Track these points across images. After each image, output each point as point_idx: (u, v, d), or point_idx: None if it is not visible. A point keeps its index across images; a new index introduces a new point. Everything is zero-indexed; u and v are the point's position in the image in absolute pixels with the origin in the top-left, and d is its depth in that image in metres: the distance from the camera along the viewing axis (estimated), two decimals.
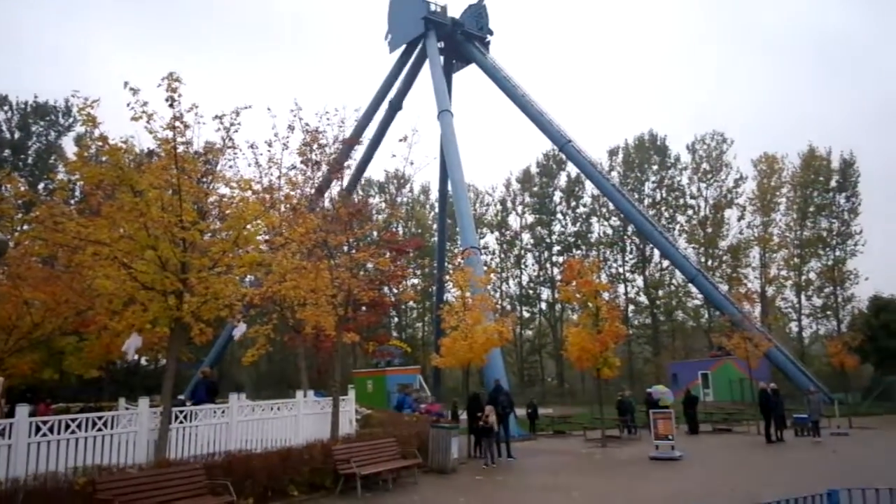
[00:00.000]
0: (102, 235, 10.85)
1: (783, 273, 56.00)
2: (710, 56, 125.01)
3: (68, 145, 51.03)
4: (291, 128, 15.88)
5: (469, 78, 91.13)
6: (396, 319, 66.14)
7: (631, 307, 61.37)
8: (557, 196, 64.91)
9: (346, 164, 17.05)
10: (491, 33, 51.06)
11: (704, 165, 59.70)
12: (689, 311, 59.49)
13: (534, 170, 65.89)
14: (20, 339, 17.39)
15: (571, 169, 59.75)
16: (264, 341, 19.02)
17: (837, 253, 54.42)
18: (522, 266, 66.22)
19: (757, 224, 57.15)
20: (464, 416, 19.83)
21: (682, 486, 13.62)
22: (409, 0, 49.55)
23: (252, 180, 13.06)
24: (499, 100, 61.62)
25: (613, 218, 61.27)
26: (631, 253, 62.11)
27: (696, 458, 18.09)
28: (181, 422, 12.50)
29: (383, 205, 62.17)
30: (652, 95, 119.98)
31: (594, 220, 63.85)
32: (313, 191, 16.75)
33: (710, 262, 56.62)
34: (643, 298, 61.48)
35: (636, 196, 56.30)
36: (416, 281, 57.31)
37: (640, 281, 61.68)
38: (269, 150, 15.83)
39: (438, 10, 49.34)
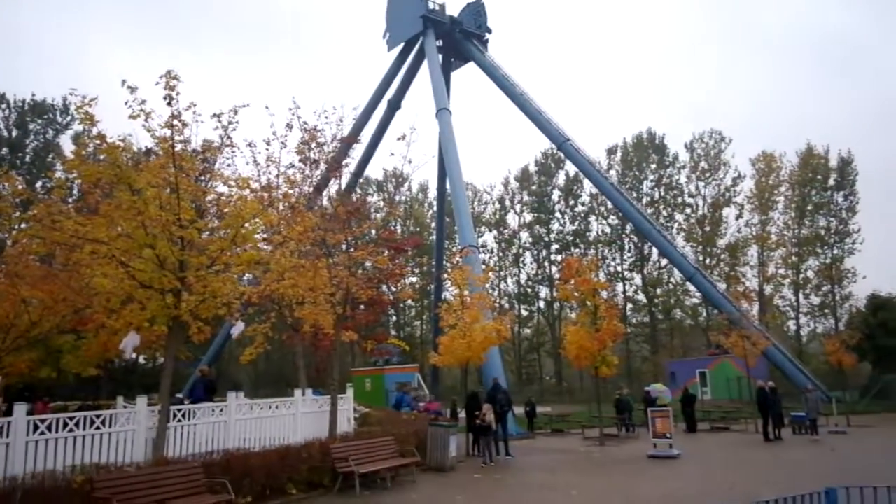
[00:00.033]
0: (100, 234, 10.83)
1: (781, 271, 56.07)
2: (709, 55, 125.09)
3: (66, 143, 51.04)
4: (290, 126, 15.90)
5: (467, 76, 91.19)
6: (395, 318, 66.16)
7: (629, 306, 61.44)
8: (556, 195, 64.96)
9: (344, 162, 17.03)
10: (489, 31, 51.08)
11: (703, 164, 59.75)
12: (688, 309, 59.56)
13: (532, 168, 65.94)
14: (18, 338, 17.35)
15: (570, 167, 59.84)
16: (262, 340, 19.02)
17: (835, 251, 54.51)
18: (521, 264, 66.30)
19: (755, 222, 57.26)
20: (462, 414, 19.84)
21: (680, 484, 13.64)
22: None
23: (250, 179, 13.08)
24: (497, 98, 61.57)
25: (612, 216, 61.32)
26: (629, 251, 62.17)
27: (694, 457, 18.12)
28: (179, 420, 12.49)
29: (382, 203, 62.16)
30: (650, 94, 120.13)
31: (592, 218, 63.93)
32: (311, 189, 16.75)
33: (708, 261, 56.67)
34: (641, 297, 61.56)
35: (634, 194, 56.34)
36: (414, 279, 57.26)
37: (638, 279, 61.86)
38: (267, 149, 15.86)
39: (437, 8, 49.33)
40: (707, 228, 58.30)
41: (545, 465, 17.38)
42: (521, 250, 66.19)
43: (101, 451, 10.86)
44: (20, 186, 13.40)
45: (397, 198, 67.22)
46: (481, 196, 67.69)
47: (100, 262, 11.10)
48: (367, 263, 18.06)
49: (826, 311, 54.74)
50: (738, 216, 58.16)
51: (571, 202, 64.14)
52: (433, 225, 61.70)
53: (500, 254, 66.76)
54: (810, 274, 55.34)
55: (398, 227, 62.03)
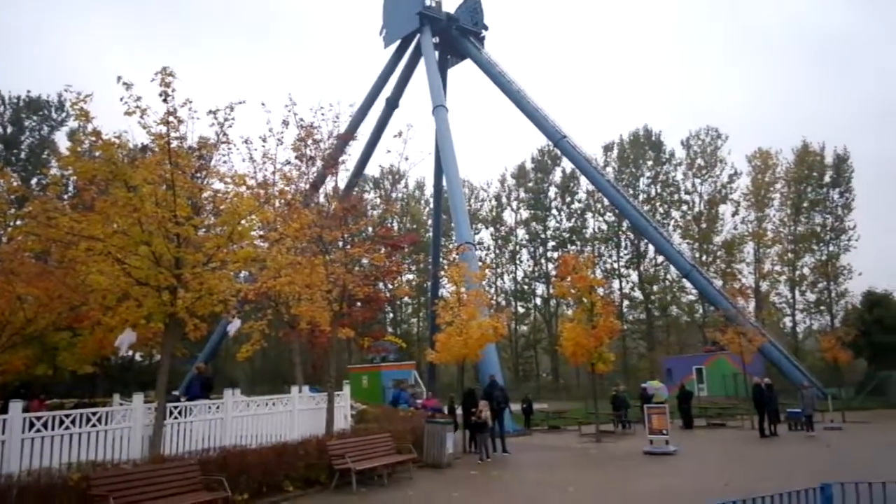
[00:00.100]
0: (96, 231, 10.80)
1: (777, 268, 56.19)
2: (706, 52, 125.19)
3: (61, 140, 50.86)
4: (286, 123, 15.85)
5: (464, 73, 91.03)
6: (391, 315, 66.14)
7: (626, 302, 61.56)
8: (552, 192, 64.98)
9: (340, 159, 17.00)
10: (486, 28, 51.02)
11: (699, 161, 59.78)
12: (684, 306, 59.64)
13: (529, 165, 65.92)
14: (13, 335, 17.30)
15: (566, 164, 59.83)
16: (259, 337, 19.00)
17: (831, 248, 54.59)
18: (517, 261, 66.31)
19: (751, 219, 57.30)
20: (459, 411, 19.87)
21: (677, 480, 13.67)
22: None
23: (246, 175, 13.04)
24: (494, 95, 61.64)
25: (608, 213, 61.34)
26: (626, 248, 62.22)
27: (691, 453, 18.16)
28: (176, 418, 12.47)
29: (378, 200, 62.08)
30: (647, 91, 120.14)
31: (589, 215, 63.95)
32: (308, 186, 16.71)
33: (704, 258, 56.73)
34: (638, 294, 61.71)
35: (631, 191, 56.37)
36: (411, 276, 57.16)
37: (634, 276, 61.88)
38: (263, 146, 15.81)
39: (433, 5, 49.28)
40: (703, 225, 58.36)
41: (542, 461, 17.41)
42: (517, 247, 66.22)
43: (97, 449, 10.83)
44: (15, 183, 13.39)
45: (394, 195, 67.20)
46: (478, 193, 67.77)
47: (95, 258, 11.07)
48: (364, 260, 18.05)
49: (822, 307, 54.89)
50: (735, 213, 58.30)
51: (568, 199, 64.17)
52: (430, 222, 61.69)
53: (497, 251, 66.80)
54: (806, 271, 55.49)
55: (395, 225, 61.99)
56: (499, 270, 66.18)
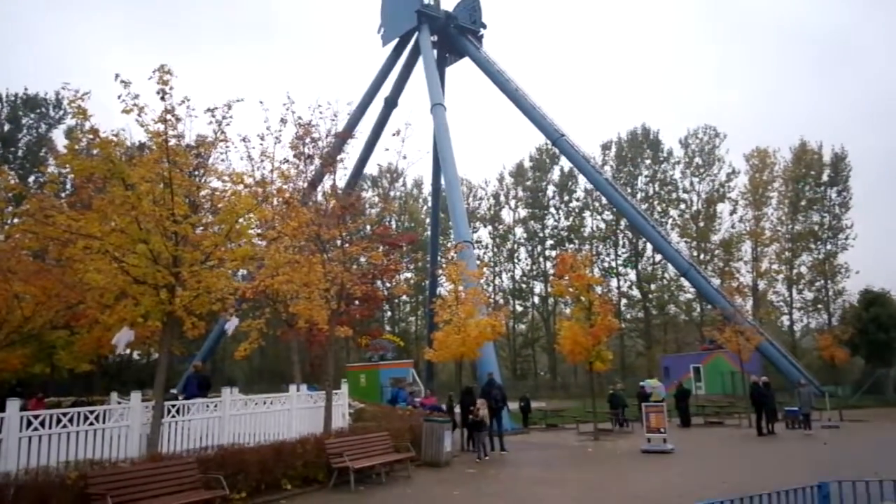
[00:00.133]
0: (93, 229, 10.78)
1: (775, 267, 56.23)
2: (704, 51, 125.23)
3: (59, 138, 50.78)
4: (284, 121, 15.80)
5: (462, 72, 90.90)
6: (389, 313, 66.13)
7: (623, 301, 61.62)
8: (550, 190, 64.98)
9: (339, 157, 16.96)
10: (484, 27, 50.96)
11: (697, 160, 59.84)
12: (682, 304, 59.72)
13: (527, 164, 65.88)
14: (11, 333, 17.28)
15: (564, 163, 59.85)
16: (257, 335, 18.99)
17: (828, 247, 54.68)
18: (515, 260, 66.31)
19: (749, 218, 57.37)
20: (457, 409, 19.89)
21: (674, 478, 13.69)
22: None
23: (244, 174, 12.98)
24: (492, 94, 61.64)
25: (606, 212, 61.35)
26: (624, 247, 62.26)
27: (688, 451, 18.18)
28: (173, 416, 12.46)
29: (376, 199, 62.09)
30: (645, 90, 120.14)
31: (587, 214, 63.96)
32: (306, 185, 16.69)
33: (702, 256, 56.81)
34: (636, 292, 61.75)
35: (629, 190, 56.37)
36: (409, 275, 57.23)
37: (632, 275, 61.92)
38: (261, 144, 15.75)
39: (432, 3, 49.21)
40: (701, 224, 58.43)
41: (539, 459, 17.43)
42: (515, 246, 66.24)
43: (94, 447, 10.82)
44: (13, 181, 13.35)
45: (392, 193, 67.14)
46: (476, 192, 67.71)
47: (93, 257, 11.04)
48: (362, 259, 18.03)
49: (819, 306, 54.99)
50: (733, 212, 58.41)
51: (566, 198, 64.17)
52: (428, 221, 61.66)
53: (495, 249, 66.78)
54: (804, 269, 55.56)
55: (393, 223, 61.96)
56: (497, 269, 66.20)
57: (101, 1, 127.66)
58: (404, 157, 17.09)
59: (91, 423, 10.87)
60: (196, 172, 13.21)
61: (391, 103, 51.58)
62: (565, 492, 12.47)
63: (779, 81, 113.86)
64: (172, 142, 11.18)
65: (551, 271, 53.98)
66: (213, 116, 11.80)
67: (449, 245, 49.83)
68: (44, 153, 49.31)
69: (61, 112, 52.01)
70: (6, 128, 51.33)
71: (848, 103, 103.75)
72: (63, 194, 24.25)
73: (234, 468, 11.13)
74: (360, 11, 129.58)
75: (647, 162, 61.54)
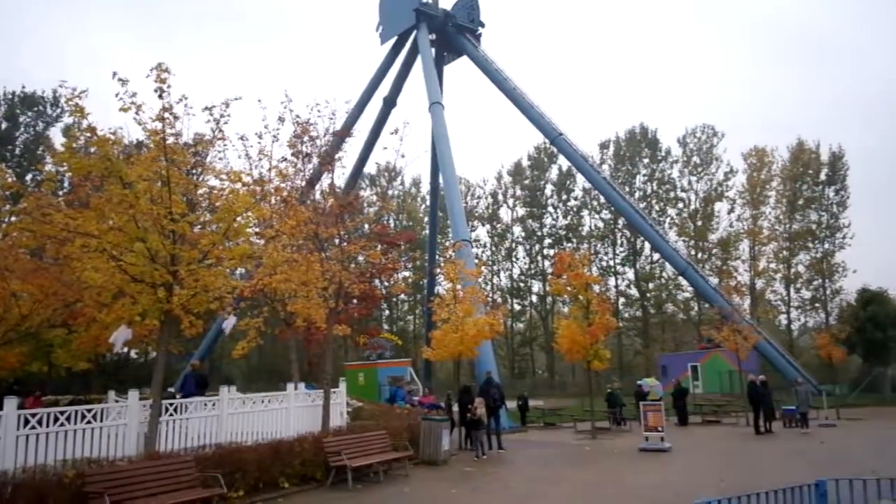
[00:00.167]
0: (91, 227, 10.77)
1: (772, 266, 56.29)
2: (702, 50, 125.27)
3: (56, 136, 50.67)
4: (282, 120, 15.79)
5: (461, 71, 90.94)
6: (387, 312, 66.14)
7: (621, 300, 61.68)
8: (549, 189, 65.02)
9: (337, 156, 16.95)
10: (482, 25, 50.93)
11: (695, 159, 59.93)
12: (679, 303, 59.81)
13: (525, 163, 65.92)
14: (8, 332, 17.22)
15: (563, 162, 59.88)
16: (255, 334, 18.98)
17: (826, 246, 54.76)
18: (513, 259, 66.35)
19: (747, 217, 57.50)
20: (455, 408, 19.90)
21: (672, 477, 13.71)
22: None
23: (242, 172, 12.97)
24: (490, 92, 61.64)
25: (604, 211, 61.42)
26: (622, 246, 62.32)
27: (686, 450, 18.20)
28: (171, 414, 12.46)
29: (374, 198, 62.08)
30: (643, 89, 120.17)
31: (585, 213, 64.01)
32: (304, 183, 16.68)
33: (700, 255, 56.89)
34: (634, 291, 61.79)
35: (627, 189, 56.41)
36: (407, 274, 57.28)
37: (630, 274, 62.00)
38: (259, 142, 15.73)
39: (430, 1, 49.16)
40: (699, 223, 58.52)
41: (537, 458, 17.44)
42: (513, 245, 66.27)
43: (92, 446, 10.82)
44: (10, 179, 13.31)
45: (390, 192, 67.12)
46: (474, 190, 67.71)
47: (90, 255, 11.04)
48: (360, 258, 18.02)
49: (817, 305, 55.05)
50: (730, 211, 58.53)
51: (564, 196, 64.21)
52: (426, 219, 61.67)
53: (493, 248, 66.81)
54: (801, 268, 55.62)
55: (391, 222, 61.95)
56: (495, 268, 66.24)
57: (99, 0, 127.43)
58: (402, 156, 17.12)
59: (89, 422, 10.88)
60: (194, 171, 13.20)
61: (390, 102, 51.57)
62: (563, 490, 12.49)
63: (777, 80, 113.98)
64: (170, 140, 11.17)
65: (549, 270, 54.05)
66: (211, 115, 11.80)
67: (447, 244, 49.81)
68: (41, 151, 49.18)
69: (59, 110, 51.88)
70: (3, 126, 51.15)
71: (845, 102, 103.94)
72: (60, 192, 24.18)
73: (232, 467, 11.13)
74: (359, 10, 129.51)
75: (646, 161, 61.59)
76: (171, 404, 12.67)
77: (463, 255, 28.65)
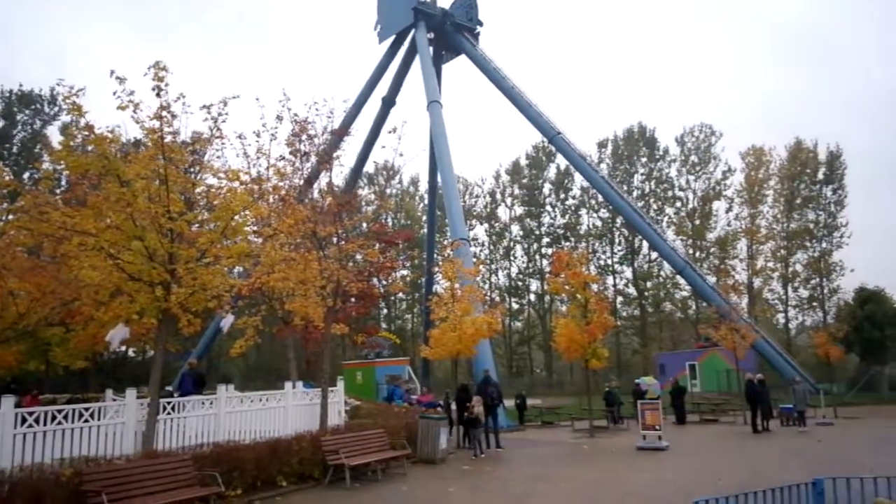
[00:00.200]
0: (88, 225, 10.74)
1: (770, 265, 56.39)
2: (700, 49, 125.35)
3: (54, 134, 50.56)
4: (280, 118, 15.77)
5: (459, 70, 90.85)
6: (386, 311, 66.15)
7: (619, 298, 61.73)
8: (547, 188, 65.12)
9: (335, 155, 16.94)
10: (480, 24, 50.95)
11: (693, 158, 60.03)
12: (677, 302, 59.89)
13: (523, 161, 65.98)
14: (5, 330, 17.18)
15: (561, 161, 59.95)
16: (253, 333, 18.96)
17: (824, 244, 54.87)
18: (511, 257, 66.42)
19: (744, 216, 57.57)
20: (454, 406, 19.91)
21: (669, 475, 13.72)
22: None
23: (240, 171, 12.96)
24: (488, 91, 61.46)
25: (602, 210, 61.49)
26: (620, 245, 62.38)
27: (683, 449, 18.23)
28: (169, 413, 12.45)
29: (373, 196, 62.08)
30: (641, 88, 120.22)
31: (583, 211, 64.10)
32: (302, 182, 16.66)
33: (697, 254, 56.99)
34: (632, 290, 61.84)
35: (625, 188, 56.47)
36: (405, 272, 57.23)
37: (628, 272, 62.07)
38: (257, 141, 15.71)
39: (428, 0, 49.13)
40: (697, 222, 58.61)
41: (535, 457, 17.45)
42: (511, 243, 66.31)
43: (90, 444, 10.81)
44: (7, 177, 13.28)
45: (388, 191, 67.11)
46: (472, 189, 67.77)
47: (88, 254, 11.02)
48: (358, 256, 18.02)
49: (814, 303, 55.15)
50: (728, 210, 58.61)
51: (562, 195, 64.29)
52: (424, 218, 61.69)
53: (491, 247, 66.88)
54: (799, 267, 55.72)
55: (389, 221, 61.95)
56: (493, 266, 66.32)
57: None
58: (401, 155, 17.12)
59: (86, 421, 10.86)
60: (192, 169, 13.16)
61: (389, 102, 51.55)
62: (560, 489, 12.50)
63: (775, 79, 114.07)
64: (168, 138, 11.15)
65: (547, 269, 54.12)
66: (209, 113, 11.78)
67: (445, 242, 49.84)
68: (39, 149, 49.08)
69: (56, 108, 51.81)
70: (1, 124, 51.09)
71: (842, 102, 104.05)
72: (58, 191, 24.14)
73: (230, 465, 11.13)
74: (357, 8, 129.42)
75: (644, 160, 61.68)
76: (168, 403, 12.66)
77: (461, 253, 28.65)
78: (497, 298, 61.87)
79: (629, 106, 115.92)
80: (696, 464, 15.58)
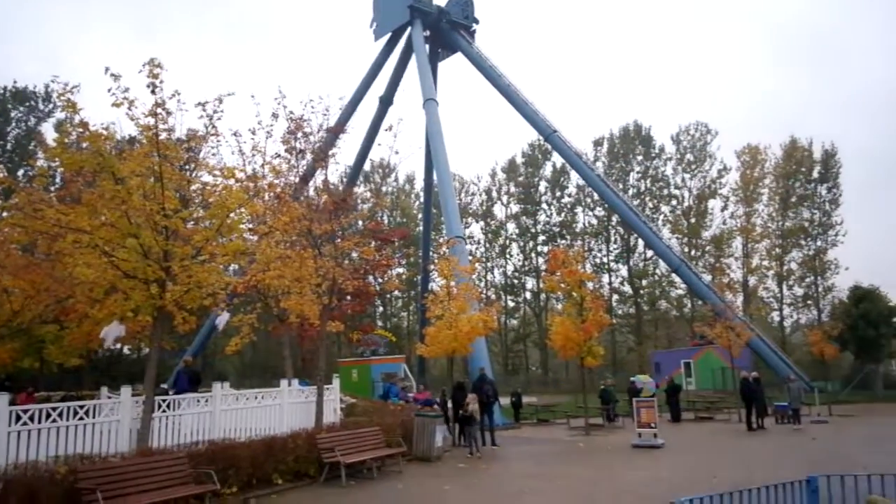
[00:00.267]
0: (83, 223, 10.71)
1: (765, 263, 56.55)
2: (697, 47, 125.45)
3: (48, 131, 50.35)
4: (275, 116, 15.74)
5: (455, 67, 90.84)
6: (381, 309, 66.11)
7: (615, 297, 61.80)
8: (542, 186, 65.08)
9: (330, 152, 16.93)
10: (476, 22, 50.91)
11: (688, 156, 60.10)
12: (673, 300, 60.01)
13: (519, 160, 65.96)
14: None
15: (557, 159, 60.02)
16: (248, 330, 18.96)
17: (819, 243, 54.98)
18: (507, 255, 66.41)
19: (740, 214, 57.65)
20: (450, 404, 19.92)
21: (664, 473, 13.76)
22: None
23: (235, 168, 12.93)
24: (484, 89, 61.62)
25: (598, 208, 61.51)
26: (615, 243, 62.43)
27: (678, 446, 18.28)
28: (164, 411, 12.43)
29: (368, 194, 61.98)
30: (637, 86, 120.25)
31: (579, 209, 64.15)
32: (298, 179, 16.65)
33: (693, 252, 57.06)
34: (627, 288, 61.95)
35: (621, 186, 56.53)
36: (401, 270, 57.18)
37: (624, 270, 62.13)
38: (252, 138, 15.69)
39: None
40: (692, 220, 58.69)
41: (531, 454, 17.47)
42: (507, 241, 66.32)
43: (84, 442, 10.80)
44: (1, 174, 13.22)
45: (384, 189, 67.05)
46: (468, 187, 67.74)
47: (82, 251, 10.98)
48: (354, 254, 18.00)
49: (809, 302, 55.30)
50: (724, 208, 58.70)
51: (558, 193, 64.29)
52: (420, 216, 61.65)
53: (487, 245, 66.87)
54: (794, 265, 55.88)
55: (385, 218, 61.91)
56: (489, 264, 66.32)
57: None
58: (396, 153, 17.12)
59: (81, 418, 10.84)
60: (187, 167, 13.15)
61: (386, 101, 51.48)
62: (556, 486, 12.52)
63: (775, 79, 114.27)
64: (163, 136, 11.13)
65: (543, 267, 54.10)
66: (204, 110, 11.74)
67: (441, 240, 49.83)
68: (33, 147, 48.86)
69: (51, 105, 51.61)
70: None
71: (842, 102, 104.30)
72: (52, 188, 24.09)
73: (225, 463, 11.12)
74: (353, 6, 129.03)
75: (639, 158, 61.74)
76: (163, 401, 12.64)
77: (457, 251, 28.64)
78: (493, 296, 61.91)
79: (626, 104, 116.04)
80: (691, 461, 15.62)
